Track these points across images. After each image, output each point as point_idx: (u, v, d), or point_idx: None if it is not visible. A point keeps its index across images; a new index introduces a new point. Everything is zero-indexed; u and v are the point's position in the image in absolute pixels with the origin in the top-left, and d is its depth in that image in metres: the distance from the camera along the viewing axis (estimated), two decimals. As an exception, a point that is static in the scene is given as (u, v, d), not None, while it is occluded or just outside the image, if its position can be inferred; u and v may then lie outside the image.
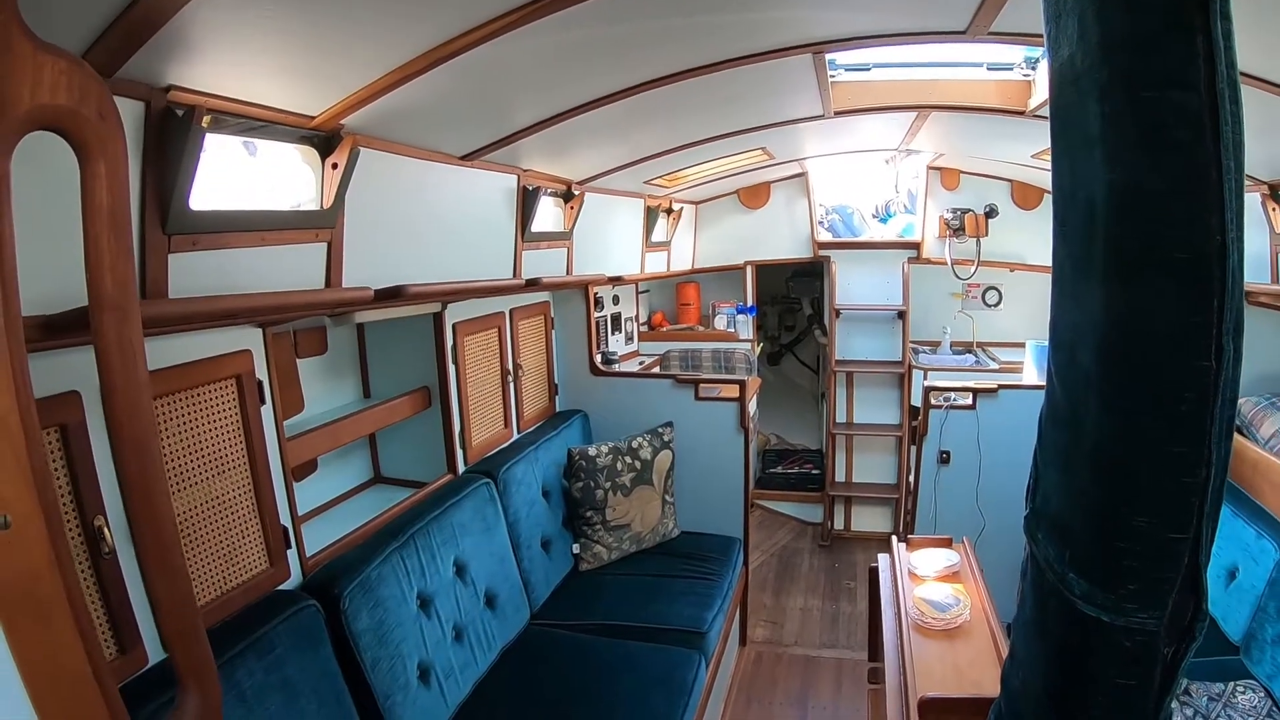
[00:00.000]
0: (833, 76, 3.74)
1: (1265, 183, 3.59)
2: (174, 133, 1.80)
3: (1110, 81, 1.02)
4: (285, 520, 2.72)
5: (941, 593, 3.39)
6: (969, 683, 2.87)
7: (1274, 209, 3.61)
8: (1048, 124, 1.23)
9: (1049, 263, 1.21)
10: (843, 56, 3.76)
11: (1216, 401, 1.00)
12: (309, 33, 1.84)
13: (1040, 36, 2.56)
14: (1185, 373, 1.01)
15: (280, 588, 2.67)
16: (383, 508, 3.37)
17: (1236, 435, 4.13)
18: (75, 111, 0.97)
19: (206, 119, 1.85)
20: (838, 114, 4.17)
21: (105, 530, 1.94)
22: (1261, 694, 3.25)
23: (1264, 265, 3.80)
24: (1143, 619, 1.09)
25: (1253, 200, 3.66)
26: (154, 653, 2.12)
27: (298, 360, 3.36)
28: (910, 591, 3.44)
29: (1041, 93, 3.70)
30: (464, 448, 3.97)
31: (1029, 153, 5.00)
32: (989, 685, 2.81)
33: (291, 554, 2.75)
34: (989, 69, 3.92)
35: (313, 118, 2.26)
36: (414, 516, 3.31)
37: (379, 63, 2.13)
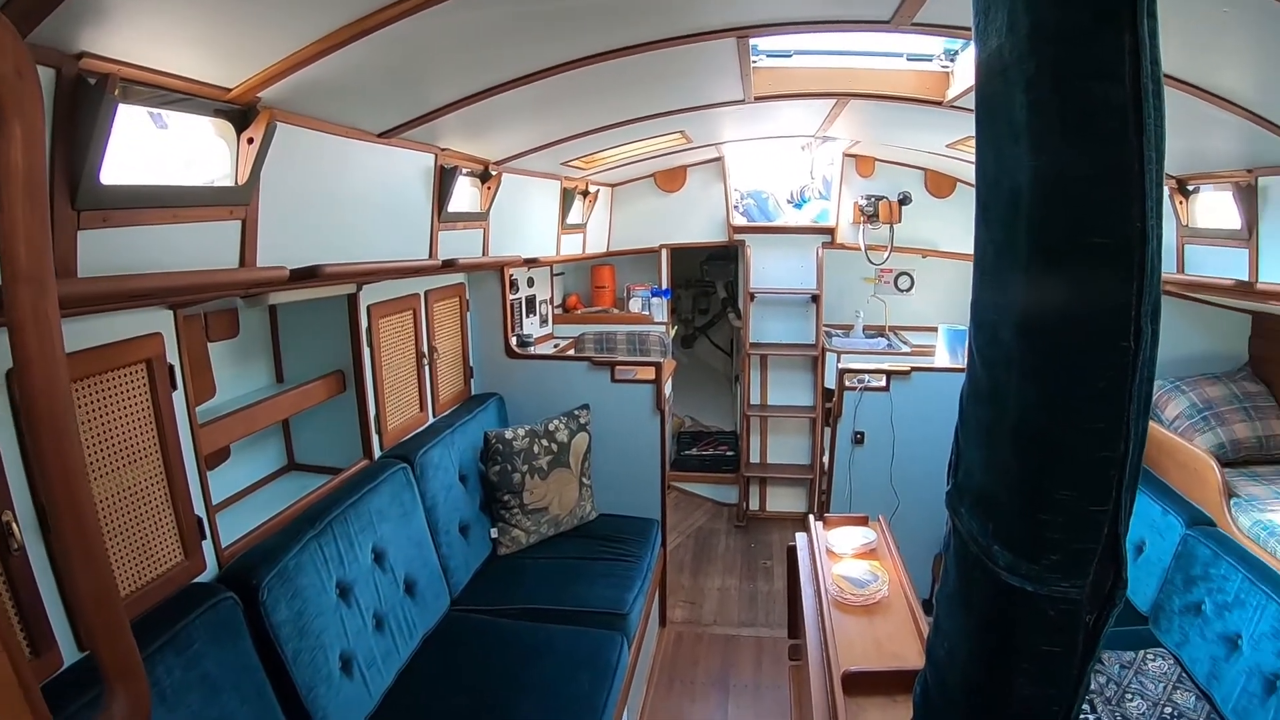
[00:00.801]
0: (754, 62, 3.75)
1: (1174, 177, 3.73)
2: (86, 102, 1.70)
3: (1038, 72, 1.04)
4: (199, 510, 2.62)
5: (859, 569, 3.46)
6: (890, 655, 2.94)
7: (1181, 202, 3.76)
8: (964, 114, 1.25)
9: (961, 249, 1.25)
10: (765, 42, 3.78)
11: (1135, 380, 1.03)
12: (228, 0, 1.76)
13: (963, 29, 2.61)
14: (1105, 353, 1.03)
15: (196, 580, 2.58)
16: (298, 495, 3.28)
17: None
18: (-10, 67, 0.89)
19: (118, 89, 1.76)
20: (758, 99, 4.19)
21: (14, 526, 1.84)
22: (1170, 661, 3.42)
23: (1171, 255, 3.96)
24: (1065, 588, 1.11)
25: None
26: (69, 654, 2.02)
27: (209, 343, 3.25)
28: (829, 569, 3.49)
29: (959, 84, 3.79)
30: (379, 432, 3.89)
31: (944, 142, 5.10)
32: (910, 657, 2.89)
33: (207, 545, 2.66)
34: (909, 59, 3.99)
35: (228, 90, 2.17)
36: (331, 503, 3.23)
37: (299, 34, 2.05)
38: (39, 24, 1.48)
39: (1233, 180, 3.32)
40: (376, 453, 3.86)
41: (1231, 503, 3.71)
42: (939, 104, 4.03)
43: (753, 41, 3.28)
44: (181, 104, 2.08)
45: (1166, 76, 2.54)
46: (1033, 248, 1.09)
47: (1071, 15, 1.00)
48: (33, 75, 0.96)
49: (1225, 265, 3.56)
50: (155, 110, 2.08)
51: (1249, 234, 3.33)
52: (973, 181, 1.20)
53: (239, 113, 2.28)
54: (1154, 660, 3.45)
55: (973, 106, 1.17)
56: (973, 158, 1.20)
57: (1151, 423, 4.31)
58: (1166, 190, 3.70)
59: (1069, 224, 1.05)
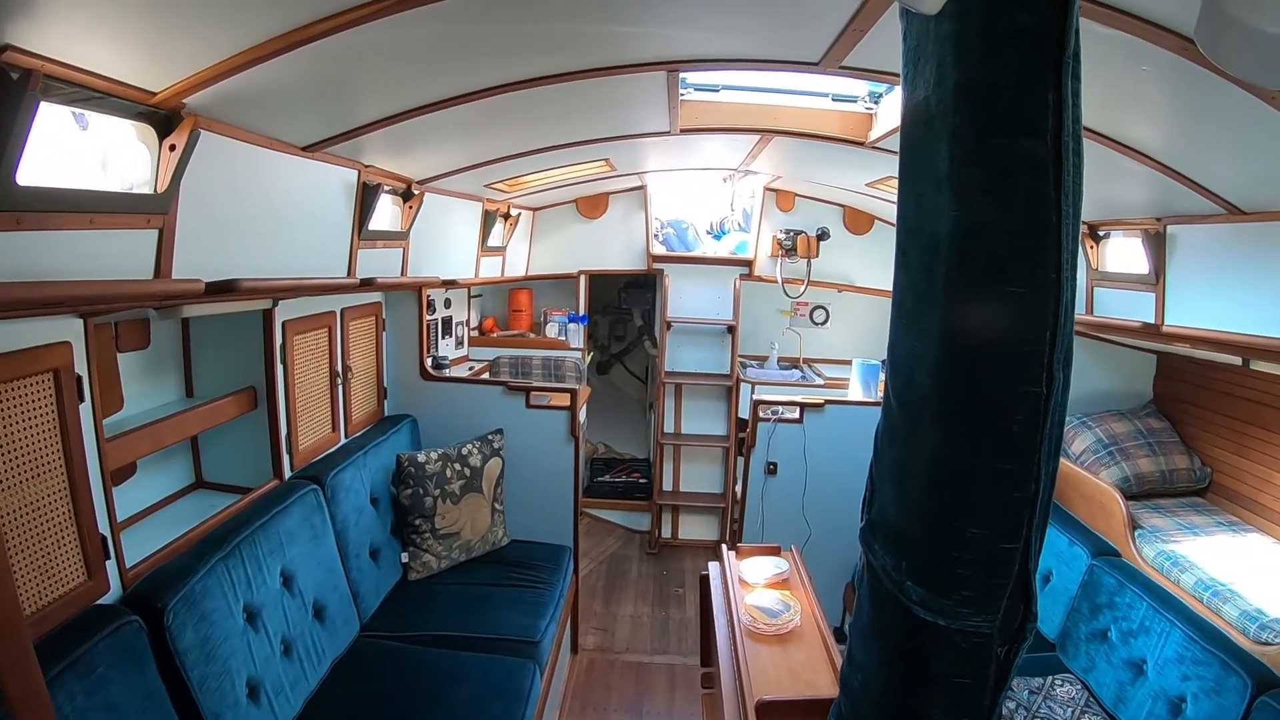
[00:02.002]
0: (682, 95, 3.80)
1: (1086, 222, 3.90)
2: (6, 98, 1.62)
3: (963, 126, 1.08)
4: (104, 529, 2.52)
5: (771, 599, 3.48)
6: (804, 684, 2.97)
7: (1092, 246, 3.94)
8: (885, 155, 1.29)
9: (877, 285, 1.31)
10: (693, 76, 3.85)
11: (1046, 424, 1.08)
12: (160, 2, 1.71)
13: (889, 74, 2.68)
14: (1018, 397, 1.08)
15: (100, 602, 2.47)
16: (206, 514, 3.19)
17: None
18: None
19: (41, 85, 1.68)
20: (684, 132, 4.25)
21: None
22: (1078, 686, 3.54)
23: (1081, 297, 4.11)
24: (977, 622, 1.17)
25: (1071, 239, 3.90)
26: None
27: (119, 354, 3.13)
28: (741, 598, 3.52)
29: (882, 126, 3.90)
30: (290, 452, 3.80)
31: (864, 181, 5.20)
32: (824, 686, 2.92)
33: (111, 565, 2.55)
34: (834, 99, 4.09)
35: (154, 94, 2.10)
36: (239, 524, 3.13)
37: (229, 42, 2.01)
38: (-38, 13, 1.41)
39: (1142, 227, 3.49)
40: (287, 473, 3.77)
41: (1136, 534, 3.89)
42: (861, 144, 4.13)
43: (682, 75, 3.32)
44: (104, 105, 2.01)
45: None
46: (949, 294, 1.13)
47: (998, 73, 1.05)
48: None
49: (1133, 308, 3.73)
50: (79, 110, 2.01)
51: (1156, 279, 3.50)
52: (891, 220, 1.25)
53: (163, 117, 2.21)
54: (1062, 686, 3.57)
55: (894, 148, 1.20)
56: (892, 197, 1.24)
57: (1059, 458, 4.49)
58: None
59: (987, 273, 1.09)
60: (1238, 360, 3.93)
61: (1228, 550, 3.73)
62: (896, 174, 1.31)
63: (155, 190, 2.28)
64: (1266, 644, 3.02)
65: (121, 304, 2.49)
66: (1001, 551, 1.14)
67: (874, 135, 4.02)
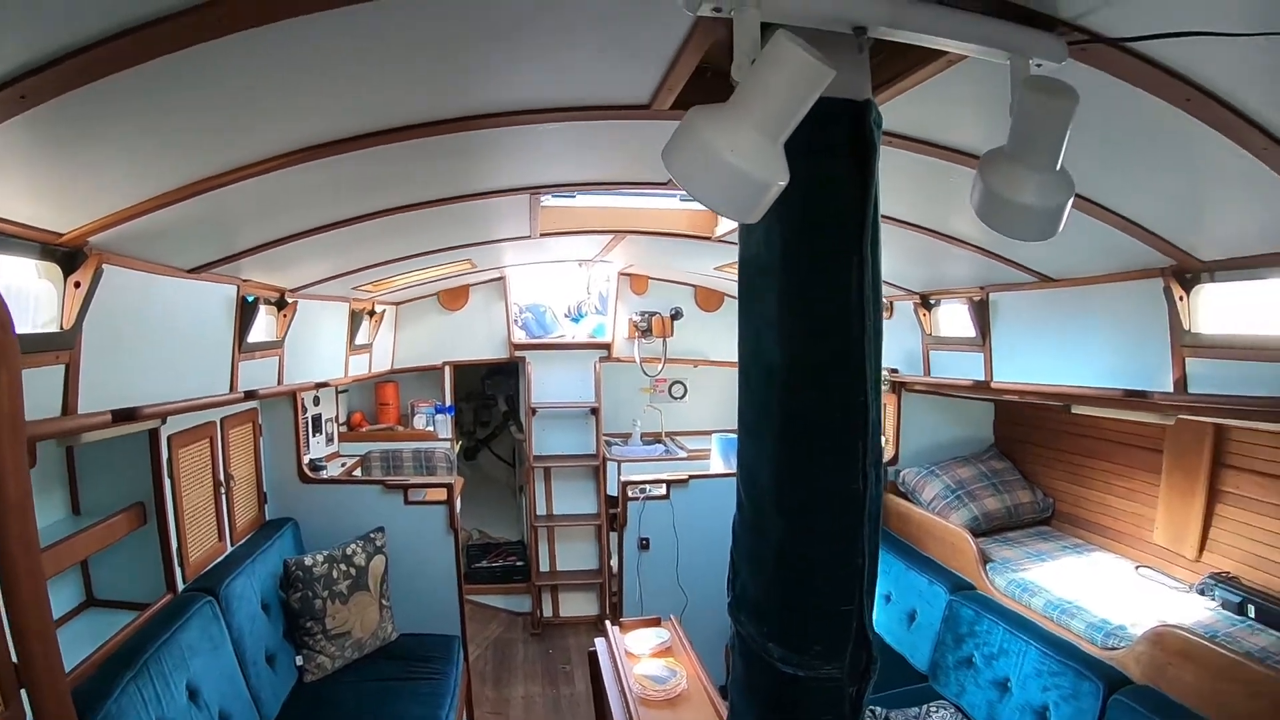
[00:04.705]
0: (541, 203, 4.05)
1: (917, 293, 4.34)
2: None
3: (786, 283, 1.41)
4: (13, 655, 2.51)
5: (657, 667, 3.70)
6: (697, 742, 3.18)
7: (924, 314, 4.40)
8: (731, 246, 1.65)
9: (730, 358, 1.64)
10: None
11: (866, 512, 1.42)
12: (65, 154, 1.85)
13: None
14: (841, 493, 1.41)
15: (17, 733, 2.47)
16: (103, 634, 3.15)
17: (903, 501, 4.98)
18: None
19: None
20: (543, 235, 4.53)
21: None
22: (952, 710, 3.86)
23: (917, 360, 4.59)
24: (829, 670, 1.48)
25: (907, 308, 4.45)
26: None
27: (3, 475, 3.10)
28: (630, 669, 3.70)
29: (727, 223, 4.26)
30: (182, 565, 3.77)
31: (712, 266, 5.59)
32: (715, 744, 3.13)
33: (24, 694, 2.54)
34: (682, 199, 4.44)
35: (60, 235, 2.21)
36: (143, 641, 3.14)
37: (138, 190, 2.17)
38: None
39: (968, 296, 3.95)
40: (180, 586, 3.75)
41: (987, 567, 4.29)
42: (708, 239, 4.49)
43: (541, 193, 3.61)
44: (11, 247, 2.09)
45: (910, 225, 3.12)
46: (782, 415, 1.45)
47: (815, 244, 1.38)
48: (10, 325, 1.06)
49: (964, 367, 4.18)
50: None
51: (983, 340, 3.96)
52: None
53: (67, 255, 2.31)
54: (937, 712, 3.87)
55: (738, 240, 1.53)
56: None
57: (910, 505, 4.97)
58: (912, 305, 4.36)
59: (811, 398, 1.42)
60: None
61: (1072, 571, 4.17)
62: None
63: (61, 327, 2.35)
64: (1113, 648, 3.39)
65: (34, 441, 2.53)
66: (841, 613, 1.44)
67: (720, 231, 4.39)
